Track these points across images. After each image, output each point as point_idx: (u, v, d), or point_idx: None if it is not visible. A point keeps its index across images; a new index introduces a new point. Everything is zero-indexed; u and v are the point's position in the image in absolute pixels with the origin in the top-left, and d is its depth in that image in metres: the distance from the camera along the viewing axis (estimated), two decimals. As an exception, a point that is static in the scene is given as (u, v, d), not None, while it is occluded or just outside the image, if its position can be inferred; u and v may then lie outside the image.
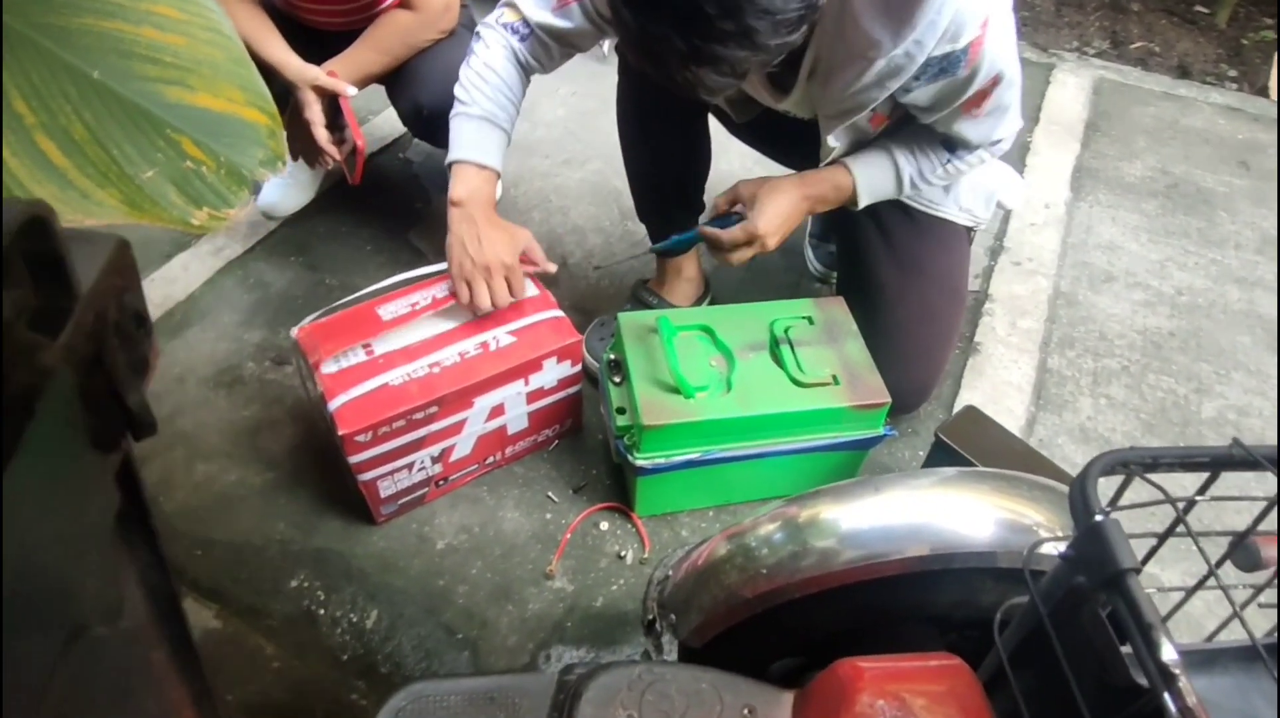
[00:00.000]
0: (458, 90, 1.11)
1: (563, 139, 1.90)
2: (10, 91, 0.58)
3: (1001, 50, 0.94)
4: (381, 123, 1.89)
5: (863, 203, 1.13)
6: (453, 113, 1.11)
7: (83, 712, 0.20)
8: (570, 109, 2.00)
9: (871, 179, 1.11)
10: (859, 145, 1.12)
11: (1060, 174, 1.89)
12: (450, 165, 1.10)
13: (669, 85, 0.83)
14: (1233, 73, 2.31)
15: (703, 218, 1.14)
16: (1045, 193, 1.83)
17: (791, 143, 1.23)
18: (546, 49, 1.12)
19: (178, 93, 0.67)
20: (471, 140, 1.10)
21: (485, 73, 1.10)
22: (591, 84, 2.06)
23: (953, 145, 1.10)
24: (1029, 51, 2.33)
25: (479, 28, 1.14)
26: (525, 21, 1.10)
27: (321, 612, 1.06)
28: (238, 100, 0.70)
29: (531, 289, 1.18)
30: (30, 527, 0.20)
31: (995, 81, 0.97)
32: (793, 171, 1.15)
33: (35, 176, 0.58)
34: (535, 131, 1.92)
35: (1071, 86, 2.19)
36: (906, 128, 1.11)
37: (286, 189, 1.64)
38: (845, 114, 1.02)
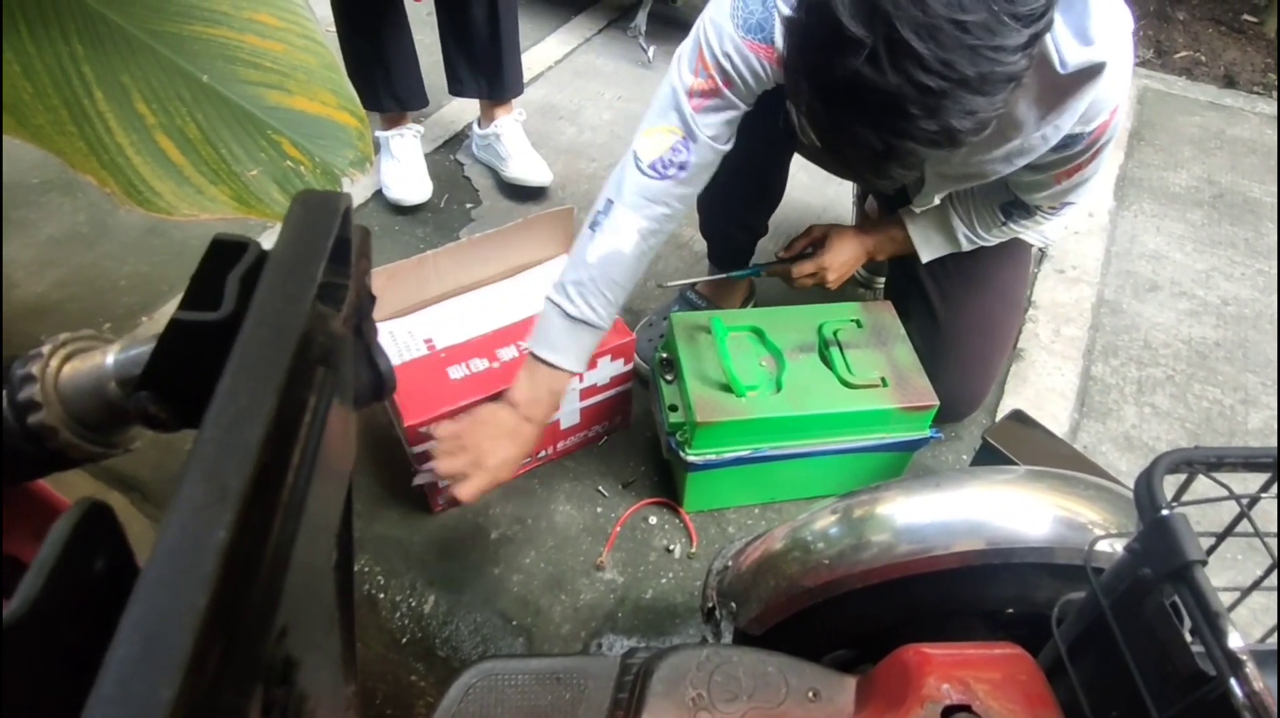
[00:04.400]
0: (568, 264, 0.98)
1: (610, 143, 1.94)
2: (132, 93, 0.63)
3: (1113, 131, 0.94)
4: (433, 125, 1.94)
5: (925, 258, 1.21)
6: (550, 292, 0.99)
7: (292, 647, 0.23)
8: (616, 113, 2.04)
9: (929, 237, 1.19)
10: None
11: (1104, 183, 1.89)
12: (530, 353, 0.98)
13: (845, 175, 0.82)
14: (1281, 83, 2.29)
15: (779, 252, 1.27)
16: (1089, 201, 1.83)
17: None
18: (702, 169, 0.97)
19: (277, 96, 0.71)
20: (563, 339, 0.97)
21: (604, 254, 0.95)
22: (637, 88, 2.10)
23: (1010, 210, 1.13)
24: (1072, 60, 2.33)
25: (605, 195, 0.97)
26: (684, 137, 0.94)
27: (382, 596, 1.10)
28: (330, 104, 0.74)
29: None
30: (326, 465, 0.24)
31: (1095, 154, 0.97)
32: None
33: (156, 173, 0.62)
34: (582, 135, 1.96)
35: (1116, 95, 2.19)
36: (968, 190, 1.14)
37: (412, 180, 1.72)
38: (962, 179, 1.03)
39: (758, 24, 0.88)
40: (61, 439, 0.29)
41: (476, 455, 0.94)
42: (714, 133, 0.94)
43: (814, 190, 1.65)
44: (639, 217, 0.95)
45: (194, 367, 0.22)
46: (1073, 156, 0.97)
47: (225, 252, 0.26)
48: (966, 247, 1.18)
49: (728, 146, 0.97)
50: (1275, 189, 1.89)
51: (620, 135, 1.96)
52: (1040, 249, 1.29)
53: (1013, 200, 1.13)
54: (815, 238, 1.25)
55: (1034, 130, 0.89)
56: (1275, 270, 1.69)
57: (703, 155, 0.95)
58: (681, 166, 0.95)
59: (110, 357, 0.30)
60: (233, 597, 0.18)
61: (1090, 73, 0.83)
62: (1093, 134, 0.92)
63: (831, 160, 0.82)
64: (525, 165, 1.74)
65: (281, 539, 0.20)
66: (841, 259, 1.23)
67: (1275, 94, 2.25)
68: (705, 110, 0.93)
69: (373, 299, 0.30)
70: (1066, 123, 0.88)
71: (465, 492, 0.93)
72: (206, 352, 0.22)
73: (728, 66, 0.90)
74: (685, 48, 0.94)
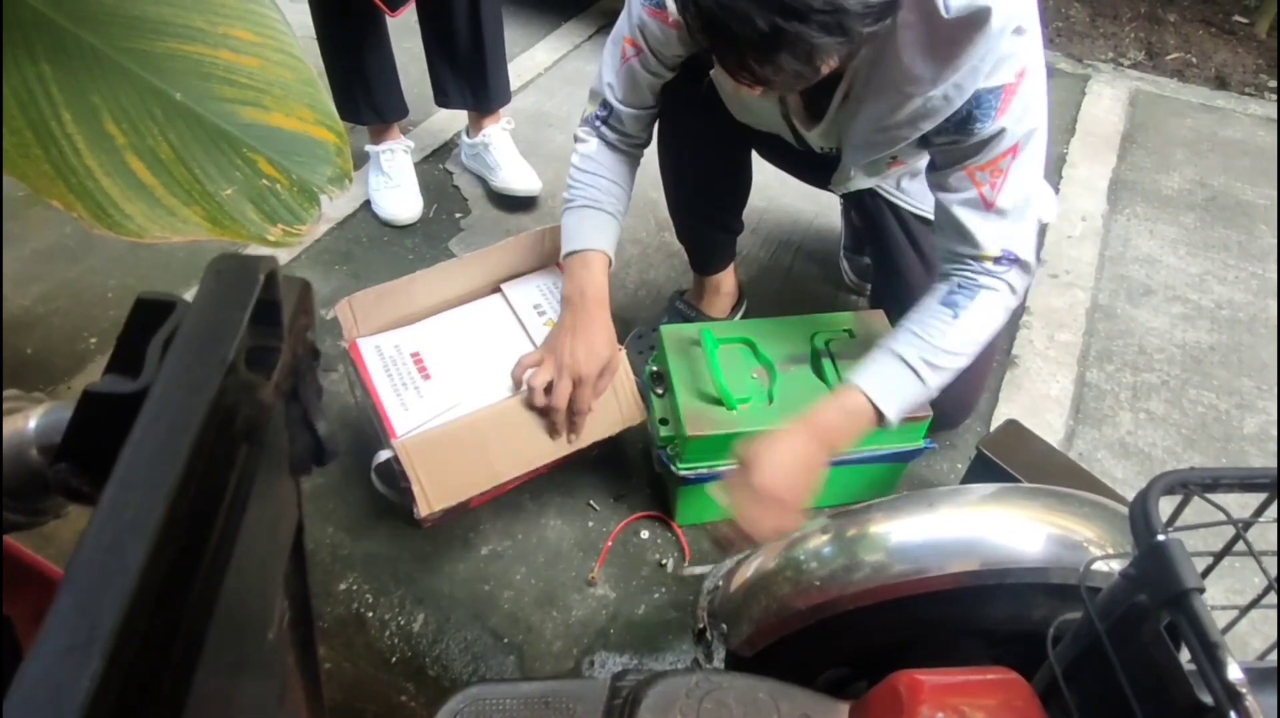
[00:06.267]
0: (566, 191, 1.15)
1: (599, 150, 1.93)
2: (102, 113, 0.61)
3: (1030, 119, 0.91)
4: (421, 134, 1.93)
5: (892, 415, 0.95)
6: (562, 210, 1.15)
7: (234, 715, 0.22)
8: (606, 120, 2.02)
9: (883, 383, 0.96)
10: (873, 178, 1.13)
11: (1097, 186, 1.88)
12: (563, 260, 1.12)
13: (733, 73, 0.80)
14: (1272, 83, 2.29)
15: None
16: (1082, 205, 1.82)
17: (814, 168, 1.25)
18: (632, 118, 1.13)
19: (253, 113, 0.70)
20: (574, 231, 1.11)
21: (584, 163, 1.14)
22: (627, 95, 2.08)
23: (952, 301, 0.99)
24: (1064, 63, 2.32)
25: (576, 132, 1.17)
26: (603, 103, 1.12)
27: (370, 614, 1.08)
28: (308, 119, 0.73)
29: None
30: (250, 548, 0.22)
31: (1014, 151, 0.92)
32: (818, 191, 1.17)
33: (126, 195, 0.60)
34: (570, 144, 1.94)
35: (1107, 98, 2.18)
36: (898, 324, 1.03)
37: (402, 198, 1.70)
38: (872, 147, 1.01)
39: None
40: None
41: (579, 374, 1.03)
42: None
43: (808, 197, 1.64)
44: (590, 127, 1.16)
45: (113, 438, 0.20)
46: (985, 141, 0.91)
47: (150, 312, 0.25)
48: (927, 371, 0.96)
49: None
50: (1268, 191, 1.89)
51: (611, 142, 1.95)
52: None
53: (953, 289, 0.99)
54: (740, 460, 0.91)
55: (932, 88, 0.88)
56: (1269, 273, 1.68)
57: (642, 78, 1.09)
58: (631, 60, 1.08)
59: (32, 422, 0.29)
60: None
61: (976, 21, 0.82)
62: (1000, 97, 0.88)
63: (718, 52, 0.79)
64: (514, 174, 1.72)
65: (185, 654, 0.19)
66: (783, 469, 0.89)
67: (1269, 95, 2.24)
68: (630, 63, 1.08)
69: (316, 355, 0.29)
70: (968, 83, 0.87)
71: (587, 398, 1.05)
72: (126, 423, 0.21)
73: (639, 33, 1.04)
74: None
